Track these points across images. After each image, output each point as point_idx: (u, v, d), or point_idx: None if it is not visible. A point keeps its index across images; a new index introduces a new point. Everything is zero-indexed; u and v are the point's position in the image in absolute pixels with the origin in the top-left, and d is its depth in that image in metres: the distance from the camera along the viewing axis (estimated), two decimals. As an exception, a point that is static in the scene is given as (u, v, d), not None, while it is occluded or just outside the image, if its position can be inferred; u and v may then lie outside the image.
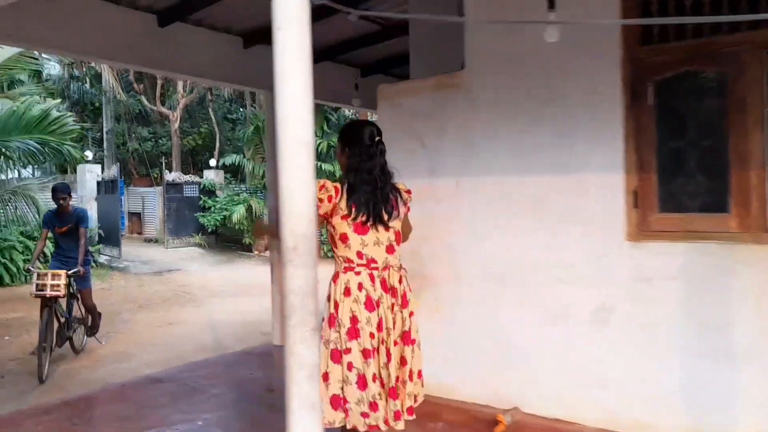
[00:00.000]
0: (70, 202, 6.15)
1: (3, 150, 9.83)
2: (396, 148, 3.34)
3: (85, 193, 16.48)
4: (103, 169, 18.46)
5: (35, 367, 5.53)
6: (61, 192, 5.98)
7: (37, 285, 5.54)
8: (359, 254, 2.47)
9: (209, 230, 18.22)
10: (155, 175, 23.36)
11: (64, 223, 6.00)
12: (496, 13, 3.98)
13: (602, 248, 3.59)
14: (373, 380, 2.40)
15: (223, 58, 5.87)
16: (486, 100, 4.09)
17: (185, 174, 19.67)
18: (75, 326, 6.27)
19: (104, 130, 21.74)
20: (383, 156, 2.55)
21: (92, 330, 6.54)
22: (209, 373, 5.18)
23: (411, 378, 2.53)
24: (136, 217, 21.01)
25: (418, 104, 4.51)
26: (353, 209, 2.44)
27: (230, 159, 18.31)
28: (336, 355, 2.44)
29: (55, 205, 6.03)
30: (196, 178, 19.33)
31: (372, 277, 2.46)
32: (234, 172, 20.33)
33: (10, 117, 9.82)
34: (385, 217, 2.49)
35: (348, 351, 2.41)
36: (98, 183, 16.55)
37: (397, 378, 2.46)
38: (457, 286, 4.20)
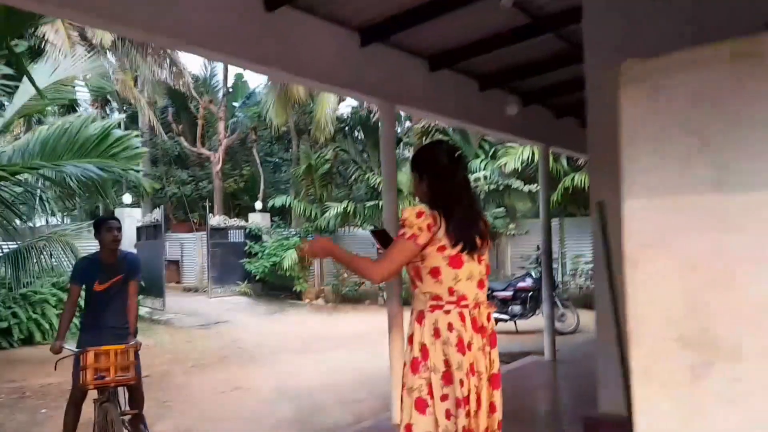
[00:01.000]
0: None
1: (53, 177, 7.78)
2: (659, 151, 1.97)
3: (123, 239, 15.20)
4: (141, 213, 17.34)
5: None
6: (114, 224, 4.04)
7: (84, 370, 3.58)
8: (450, 291, 2.28)
9: (256, 278, 16.81)
10: (195, 220, 22.25)
11: (109, 274, 3.99)
12: None
13: None
14: None
15: (341, 58, 4.35)
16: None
17: (229, 218, 18.45)
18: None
19: (141, 174, 20.77)
20: (466, 172, 2.50)
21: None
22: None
23: (500, 428, 2.35)
24: (174, 264, 19.84)
25: (696, 84, 2.92)
26: (452, 239, 2.26)
27: (279, 201, 17.00)
28: (421, 405, 2.24)
29: (98, 248, 4.07)
30: (242, 222, 18.06)
31: (462, 317, 2.26)
32: (281, 215, 19.03)
33: (61, 136, 7.69)
34: (478, 243, 2.34)
35: (445, 398, 2.22)
36: (138, 228, 15.34)
37: (487, 429, 2.28)
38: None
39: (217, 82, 23.16)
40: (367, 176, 15.37)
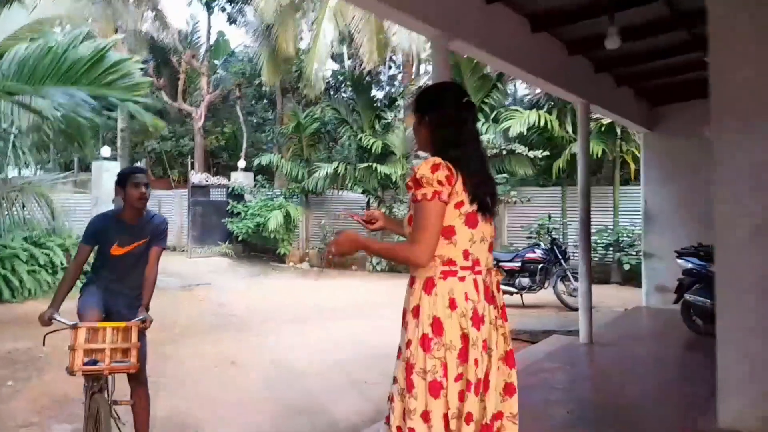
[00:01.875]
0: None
1: (30, 106, 6.40)
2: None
3: (101, 195, 14.37)
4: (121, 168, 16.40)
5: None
6: (141, 178, 3.32)
7: (73, 351, 2.92)
8: (465, 254, 1.98)
9: (238, 238, 16.15)
10: (174, 177, 21.35)
11: (132, 237, 3.33)
12: None
13: None
14: (467, 421, 1.91)
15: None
16: None
17: (211, 176, 17.64)
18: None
19: (119, 127, 19.75)
20: (476, 123, 2.16)
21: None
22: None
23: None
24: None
25: None
26: (469, 194, 1.96)
27: (266, 159, 16.23)
28: (436, 389, 1.92)
29: (119, 204, 3.40)
30: (224, 181, 17.27)
31: (476, 285, 1.98)
32: (264, 174, 18.27)
33: (44, 56, 6.34)
34: (491, 202, 2.05)
35: (459, 378, 1.92)
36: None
37: (499, 415, 2.00)
38: None
39: (199, 38, 22.15)
40: (358, 137, 14.65)
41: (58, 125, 6.46)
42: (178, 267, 14.59)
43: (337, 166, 14.51)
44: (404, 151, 14.51)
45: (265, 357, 6.51)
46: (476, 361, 1.93)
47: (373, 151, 14.33)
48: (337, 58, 19.91)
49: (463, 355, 1.93)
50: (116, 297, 3.33)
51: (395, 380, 2.04)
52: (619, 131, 11.79)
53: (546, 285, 9.56)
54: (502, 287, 9.18)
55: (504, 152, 12.71)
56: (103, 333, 2.96)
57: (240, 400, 5.00)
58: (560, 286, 9.54)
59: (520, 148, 12.58)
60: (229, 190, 16.92)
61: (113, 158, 16.09)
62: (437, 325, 1.94)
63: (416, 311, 1.99)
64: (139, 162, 14.84)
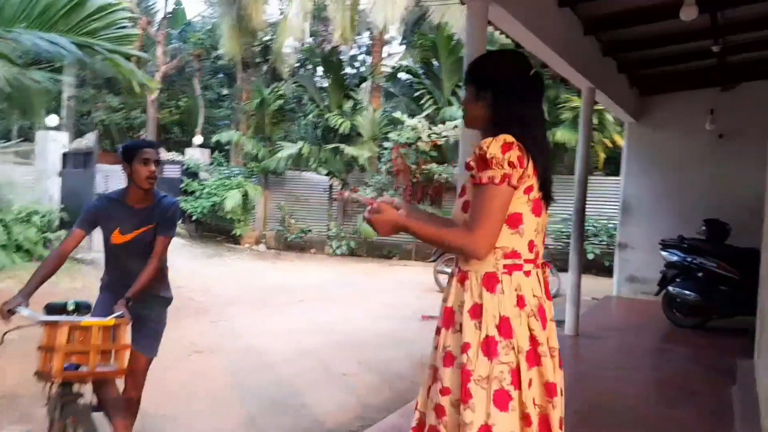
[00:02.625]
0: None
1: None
2: None
3: (46, 167, 13.31)
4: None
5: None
6: (151, 153, 2.81)
7: (49, 353, 2.45)
8: (531, 246, 1.74)
9: (192, 218, 15.37)
10: (124, 152, 20.24)
11: (136, 221, 2.85)
12: None
13: None
14: (561, 426, 1.71)
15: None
16: None
17: (164, 151, 16.72)
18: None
19: (64, 94, 18.52)
20: (542, 99, 1.85)
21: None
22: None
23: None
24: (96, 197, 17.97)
25: None
26: (539, 178, 1.72)
27: (226, 136, 15.48)
28: (502, 399, 1.64)
29: (126, 184, 2.87)
30: (179, 157, 16.39)
31: (539, 279, 1.76)
32: (222, 152, 17.49)
33: None
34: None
35: (530, 384, 1.66)
36: (64, 155, 13.44)
37: (561, 419, 1.73)
38: None
39: (154, 4, 20.87)
40: (326, 117, 14.08)
41: (3, 88, 5.61)
42: (128, 245, 13.82)
43: (303, 146, 13.93)
44: (372, 133, 14.05)
45: (233, 344, 5.99)
46: (544, 363, 1.70)
47: (340, 131, 13.81)
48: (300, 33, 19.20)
49: (532, 359, 1.69)
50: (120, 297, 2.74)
51: (445, 391, 1.73)
52: (596, 120, 11.69)
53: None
54: None
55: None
56: (87, 332, 2.45)
57: (213, 393, 4.49)
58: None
59: (494, 134, 12.35)
60: (184, 167, 16.08)
61: (59, 128, 15.01)
62: (505, 325, 1.68)
63: (476, 311, 1.71)
64: (92, 133, 13.80)
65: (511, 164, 1.63)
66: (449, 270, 9.18)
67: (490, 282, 1.71)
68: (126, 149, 2.85)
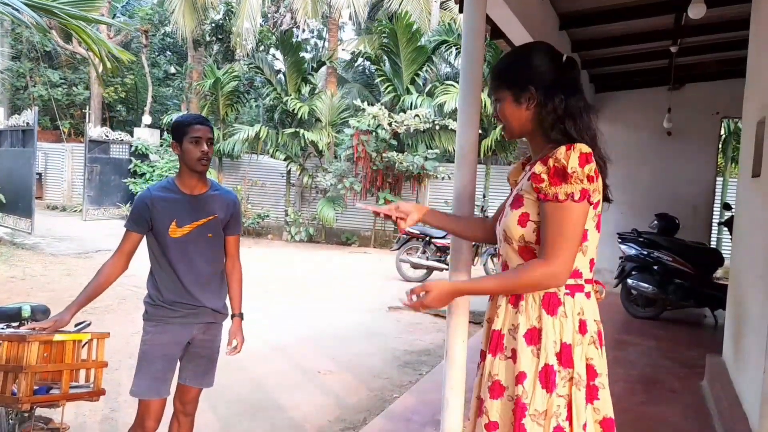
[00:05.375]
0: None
1: None
2: None
3: (-25, 143, 12.56)
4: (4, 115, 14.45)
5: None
6: (204, 131, 2.43)
7: (22, 375, 2.12)
8: (592, 264, 1.59)
9: (141, 202, 14.82)
10: (65, 129, 19.26)
11: (194, 211, 2.49)
12: None
13: None
14: None
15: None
16: None
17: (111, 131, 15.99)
18: None
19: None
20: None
21: None
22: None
23: None
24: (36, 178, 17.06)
25: None
26: (605, 189, 1.58)
27: (177, 117, 14.88)
28: None
29: (178, 170, 2.53)
30: (127, 137, 15.73)
31: (596, 301, 1.61)
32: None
33: None
34: None
35: (585, 427, 1.49)
36: (0, 132, 12.66)
37: None
38: None
39: (96, -28, 19.77)
40: (284, 100, 13.76)
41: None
42: (71, 230, 13.19)
43: (260, 129, 13.59)
44: (331, 118, 13.83)
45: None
46: (602, 397, 1.56)
47: (299, 116, 13.53)
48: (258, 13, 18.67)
49: (590, 393, 1.54)
50: (195, 308, 2.51)
51: (492, 426, 1.56)
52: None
53: (476, 262, 9.45)
54: (435, 263, 8.65)
55: (437, 127, 12.43)
56: (61, 348, 2.20)
57: None
58: (490, 264, 9.53)
59: (454, 125, 12.37)
60: (132, 148, 15.46)
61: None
62: (566, 353, 1.51)
63: (533, 336, 1.53)
64: (30, 109, 13.00)
65: (590, 178, 1.48)
66: (412, 259, 9.19)
67: (551, 304, 1.53)
68: (174, 126, 2.47)
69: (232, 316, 2.67)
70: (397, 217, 1.88)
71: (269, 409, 4.05)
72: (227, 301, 2.68)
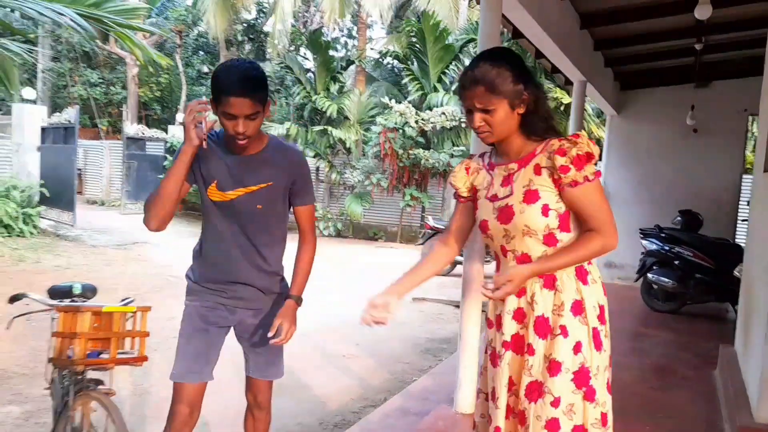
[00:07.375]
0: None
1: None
2: None
3: (24, 141, 13.11)
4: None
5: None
6: (240, 103, 1.90)
7: (69, 339, 2.41)
8: None
9: (175, 196, 15.31)
10: (104, 128, 19.95)
11: (241, 175, 2.09)
12: None
13: None
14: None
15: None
16: None
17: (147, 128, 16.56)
18: None
19: (39, 68, 18.13)
20: None
21: None
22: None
23: None
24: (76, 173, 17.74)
25: None
26: None
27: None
28: (609, 386, 1.75)
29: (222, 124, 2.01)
30: (161, 134, 16.26)
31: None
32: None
33: None
34: None
35: (609, 387, 1.73)
36: (43, 129, 13.24)
37: None
38: None
39: (131, -24, 20.41)
40: (313, 98, 14.07)
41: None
42: (110, 223, 13.71)
43: (290, 127, 13.93)
44: (359, 116, 14.09)
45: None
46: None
47: (327, 114, 13.82)
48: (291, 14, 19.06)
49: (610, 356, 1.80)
50: (238, 288, 2.20)
51: (556, 402, 1.66)
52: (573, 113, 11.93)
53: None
54: (459, 257, 8.86)
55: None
56: (107, 318, 2.47)
57: (232, 403, 4.59)
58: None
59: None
60: (167, 144, 15.98)
61: (35, 102, 14.76)
62: (602, 312, 1.76)
63: (578, 307, 1.71)
64: (72, 107, 13.56)
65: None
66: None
67: (582, 275, 1.74)
68: (212, 81, 2.00)
69: (286, 297, 2.24)
70: (375, 321, 1.88)
71: (294, 388, 4.30)
72: (285, 286, 2.33)
